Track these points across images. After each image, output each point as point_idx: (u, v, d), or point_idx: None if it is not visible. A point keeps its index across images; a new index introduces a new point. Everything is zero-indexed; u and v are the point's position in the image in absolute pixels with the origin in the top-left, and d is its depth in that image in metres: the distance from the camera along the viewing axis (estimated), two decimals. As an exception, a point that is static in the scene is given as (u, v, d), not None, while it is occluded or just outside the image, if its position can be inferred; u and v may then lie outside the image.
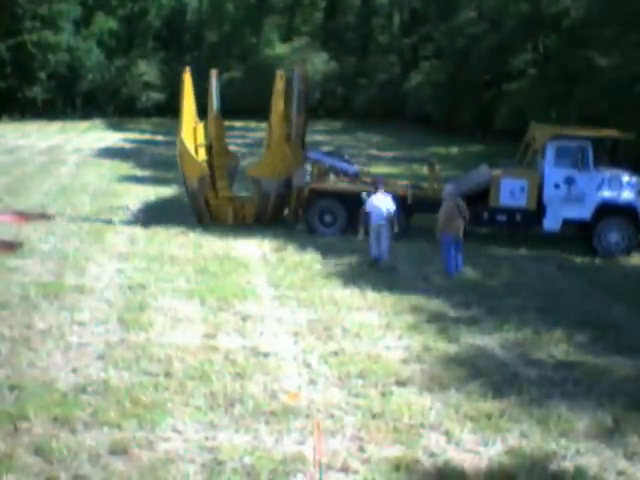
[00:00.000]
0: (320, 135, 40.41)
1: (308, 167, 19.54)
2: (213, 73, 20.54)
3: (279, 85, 19.19)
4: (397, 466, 8.13)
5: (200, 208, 19.43)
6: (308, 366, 10.73)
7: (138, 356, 10.71)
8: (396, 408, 9.43)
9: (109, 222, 19.33)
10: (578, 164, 18.20)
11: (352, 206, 18.94)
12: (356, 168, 20.34)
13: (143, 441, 8.46)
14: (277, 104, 19.19)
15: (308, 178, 19.54)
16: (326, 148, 29.06)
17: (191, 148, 19.35)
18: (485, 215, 18.65)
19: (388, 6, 58.07)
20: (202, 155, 19.78)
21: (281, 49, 54.17)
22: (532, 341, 12.07)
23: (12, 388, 9.56)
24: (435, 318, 12.92)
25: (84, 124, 47.96)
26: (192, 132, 19.63)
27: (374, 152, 37.77)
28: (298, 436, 8.72)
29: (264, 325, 12.30)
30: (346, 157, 21.52)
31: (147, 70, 54.19)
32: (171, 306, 12.92)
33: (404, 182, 21.42)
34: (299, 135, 19.76)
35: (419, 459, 8.31)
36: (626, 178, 18.36)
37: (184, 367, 10.42)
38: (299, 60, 51.86)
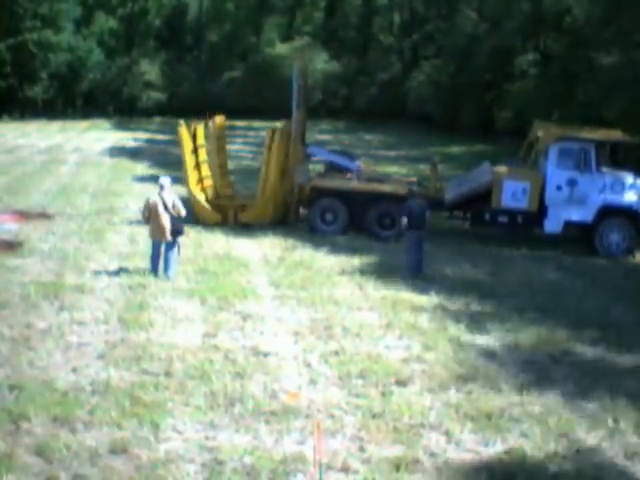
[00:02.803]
0: (322, 135, 40.41)
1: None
2: None
3: (269, 141, 19.16)
4: (397, 466, 8.13)
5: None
6: (308, 366, 10.72)
7: (138, 356, 10.70)
8: (396, 408, 9.42)
9: (109, 222, 19.33)
10: (580, 166, 18.19)
11: (353, 204, 18.98)
12: (358, 164, 20.27)
13: (143, 441, 8.45)
14: (270, 157, 19.16)
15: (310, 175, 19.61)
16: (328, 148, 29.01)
17: (201, 199, 19.44)
18: (487, 216, 18.64)
19: (389, 6, 58.07)
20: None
21: (282, 49, 54.18)
22: (532, 341, 12.07)
23: (12, 388, 9.55)
24: (435, 318, 12.91)
25: (84, 123, 47.94)
26: (197, 181, 19.59)
27: (377, 152, 37.75)
28: (298, 436, 8.71)
29: (264, 325, 12.29)
30: (354, 157, 21.42)
31: (148, 70, 54.17)
32: (171, 306, 12.91)
33: (411, 179, 21.48)
34: (299, 131, 19.69)
35: (419, 459, 8.31)
36: (628, 180, 18.34)
37: (184, 367, 10.42)
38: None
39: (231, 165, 29.06)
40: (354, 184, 19.31)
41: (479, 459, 8.43)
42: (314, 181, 19.36)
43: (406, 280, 14.96)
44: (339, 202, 19.02)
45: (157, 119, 51.38)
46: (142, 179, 27.14)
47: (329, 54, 54.05)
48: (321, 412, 9.27)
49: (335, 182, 19.42)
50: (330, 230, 18.90)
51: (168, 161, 30.67)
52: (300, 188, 19.24)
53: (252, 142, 37.90)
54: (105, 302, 13.01)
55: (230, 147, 28.30)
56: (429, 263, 16.50)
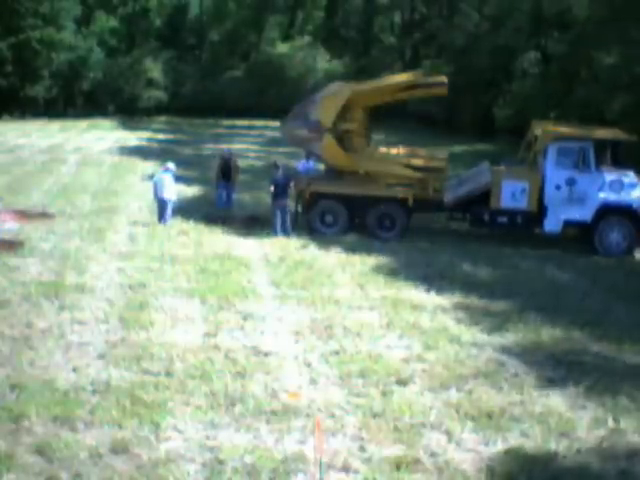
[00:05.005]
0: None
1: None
2: None
3: None
4: (398, 465, 8.14)
5: None
6: (309, 365, 10.73)
7: (139, 355, 10.71)
8: (397, 407, 9.43)
9: (110, 221, 19.33)
10: (579, 165, 18.15)
11: (353, 206, 18.89)
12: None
13: (144, 440, 8.46)
14: None
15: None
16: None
17: None
18: (486, 217, 18.59)
19: (390, 5, 58.03)
20: None
21: (283, 48, 54.13)
22: (532, 341, 12.07)
23: (13, 387, 9.57)
24: (435, 317, 12.91)
25: (85, 123, 47.85)
26: None
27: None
28: (299, 435, 8.72)
29: (265, 324, 12.30)
30: None
31: (149, 69, 54.11)
32: (172, 305, 12.92)
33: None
34: None
35: (420, 458, 8.31)
36: (628, 179, 18.29)
37: (185, 366, 10.43)
38: (301, 59, 51.91)
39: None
40: (353, 189, 19.07)
41: (480, 459, 8.43)
42: (313, 186, 19.11)
43: (407, 279, 14.95)
44: (339, 204, 18.89)
45: (158, 118, 51.32)
46: (143, 178, 27.10)
47: (330, 53, 54.00)
48: (322, 411, 9.28)
49: (334, 187, 19.19)
50: (330, 232, 18.76)
51: (168, 160, 30.57)
52: (299, 193, 19.06)
53: (255, 141, 37.90)
54: (105, 302, 13.02)
55: (233, 146, 28.40)
56: (430, 263, 16.52)
